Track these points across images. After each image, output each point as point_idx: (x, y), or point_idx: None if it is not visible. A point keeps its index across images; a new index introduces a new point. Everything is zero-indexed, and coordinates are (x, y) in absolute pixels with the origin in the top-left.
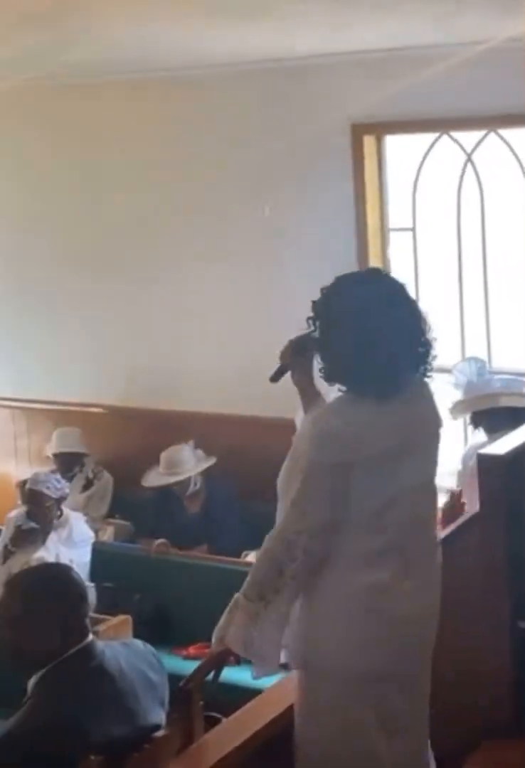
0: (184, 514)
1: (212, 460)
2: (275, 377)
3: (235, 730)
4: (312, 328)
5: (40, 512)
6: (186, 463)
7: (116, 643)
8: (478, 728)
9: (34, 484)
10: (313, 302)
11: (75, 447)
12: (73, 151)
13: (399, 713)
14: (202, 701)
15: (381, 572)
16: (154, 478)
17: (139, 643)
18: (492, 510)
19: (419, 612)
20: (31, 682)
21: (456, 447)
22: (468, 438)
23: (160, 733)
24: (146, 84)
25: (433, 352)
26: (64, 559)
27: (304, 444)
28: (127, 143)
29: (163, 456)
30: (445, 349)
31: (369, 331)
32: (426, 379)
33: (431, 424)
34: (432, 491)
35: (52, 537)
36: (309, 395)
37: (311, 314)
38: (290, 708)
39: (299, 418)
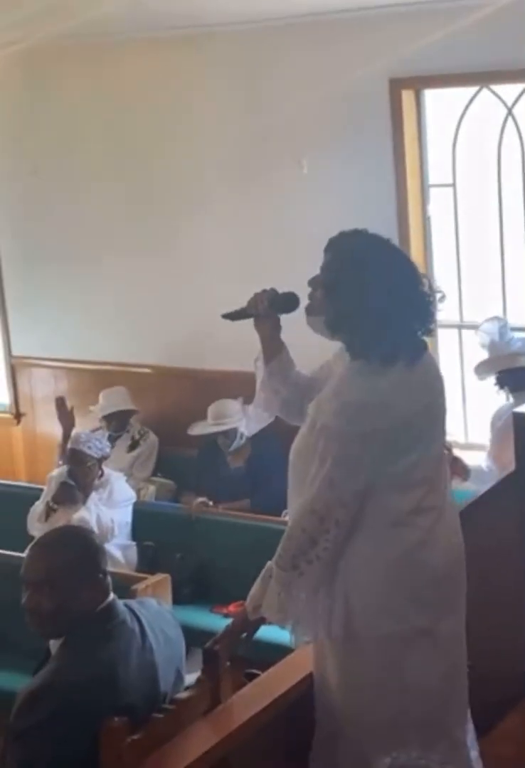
0: (227, 470)
1: None
2: (233, 316)
3: (260, 692)
4: (318, 293)
5: (81, 472)
6: (233, 415)
7: (132, 602)
8: (515, 688)
9: (75, 443)
10: (328, 270)
11: (125, 404)
12: (105, 112)
13: (443, 660)
14: (229, 662)
15: (413, 531)
16: (200, 428)
17: (153, 602)
18: None
19: (456, 566)
20: (57, 641)
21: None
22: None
23: (184, 695)
24: (183, 39)
25: (435, 307)
26: (105, 519)
27: (323, 415)
28: (158, 102)
29: (211, 408)
30: (486, 306)
31: (399, 298)
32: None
33: (442, 381)
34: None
35: (93, 497)
36: (274, 346)
37: (323, 281)
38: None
39: (259, 367)
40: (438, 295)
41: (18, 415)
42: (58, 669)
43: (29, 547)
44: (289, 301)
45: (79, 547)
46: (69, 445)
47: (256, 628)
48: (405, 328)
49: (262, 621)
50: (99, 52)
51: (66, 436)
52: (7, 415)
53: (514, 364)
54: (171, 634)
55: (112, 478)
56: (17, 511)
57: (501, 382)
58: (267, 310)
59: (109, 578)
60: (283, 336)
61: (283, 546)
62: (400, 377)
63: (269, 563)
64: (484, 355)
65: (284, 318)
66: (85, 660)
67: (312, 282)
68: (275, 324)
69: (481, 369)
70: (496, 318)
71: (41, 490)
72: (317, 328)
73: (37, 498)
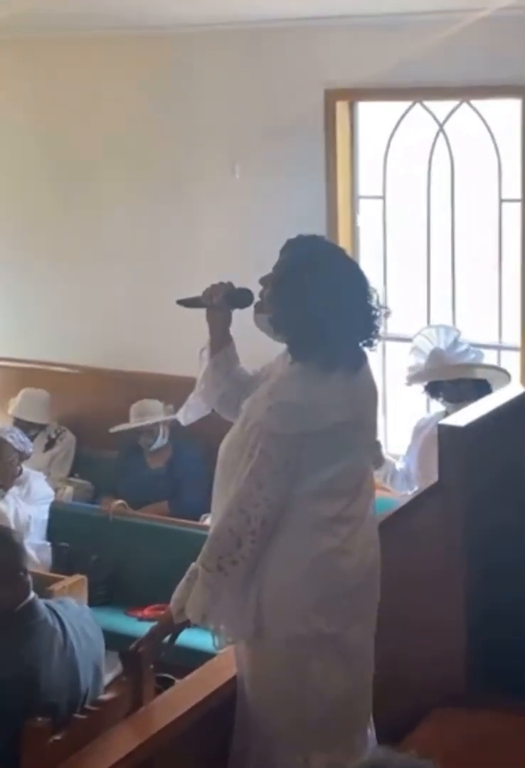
0: (147, 470)
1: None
2: (187, 303)
3: (183, 695)
4: (267, 289)
5: (1, 466)
6: (154, 413)
7: (52, 601)
8: (429, 697)
9: None
10: (280, 270)
11: (37, 417)
12: (41, 109)
13: (348, 667)
14: (153, 665)
15: (332, 538)
16: (122, 426)
17: (72, 601)
18: (451, 482)
19: (369, 576)
20: None
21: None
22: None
23: (107, 696)
24: (119, 40)
25: (380, 320)
26: (23, 515)
27: (257, 413)
28: (97, 101)
29: (133, 407)
30: (410, 319)
31: (345, 307)
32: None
33: (376, 395)
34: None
35: (13, 490)
36: (223, 339)
37: (274, 280)
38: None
39: (204, 358)
40: (383, 311)
41: None
42: None
43: None
44: (243, 297)
45: (5, 543)
46: None
47: (180, 631)
48: (347, 338)
49: (187, 624)
50: (28, 50)
51: None
52: None
53: (466, 374)
54: (90, 634)
55: (31, 476)
56: None
57: (434, 391)
58: (221, 301)
59: (29, 577)
60: (232, 331)
61: (209, 546)
62: (336, 385)
63: (193, 565)
64: (414, 361)
65: (235, 315)
66: (5, 659)
67: (263, 280)
68: (227, 317)
69: (421, 377)
70: (444, 327)
71: None
72: (262, 325)
73: None
